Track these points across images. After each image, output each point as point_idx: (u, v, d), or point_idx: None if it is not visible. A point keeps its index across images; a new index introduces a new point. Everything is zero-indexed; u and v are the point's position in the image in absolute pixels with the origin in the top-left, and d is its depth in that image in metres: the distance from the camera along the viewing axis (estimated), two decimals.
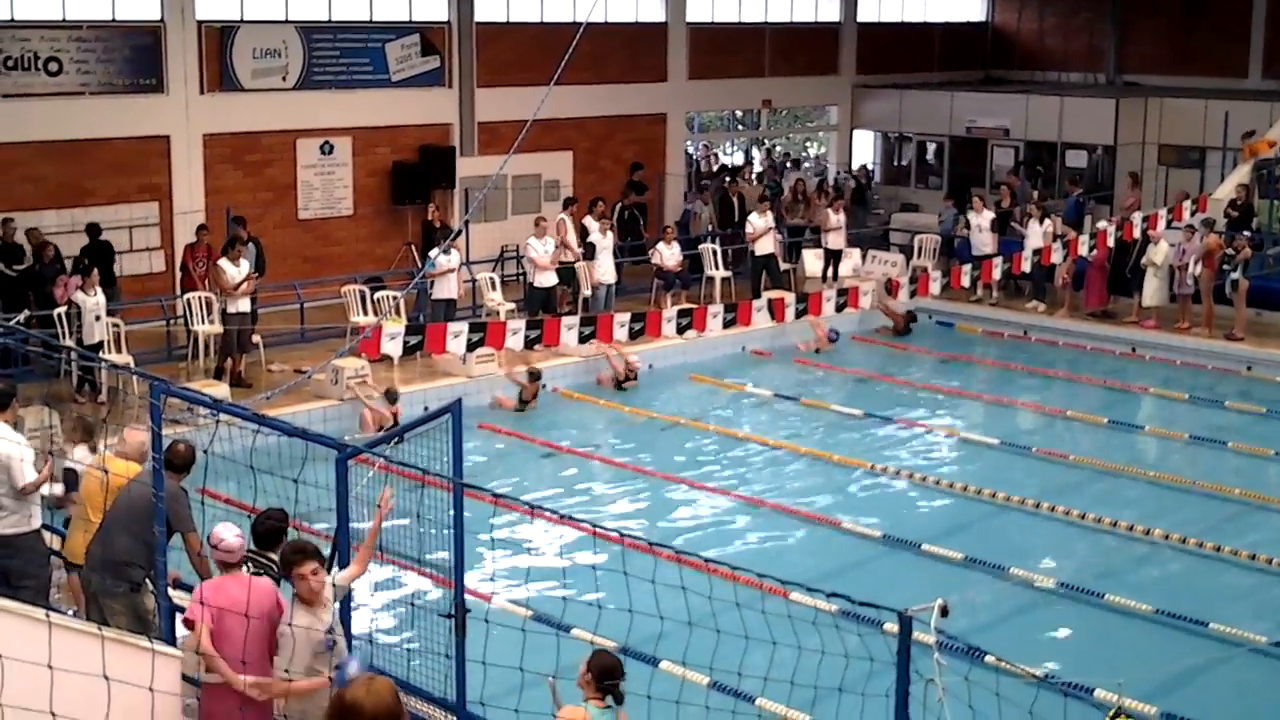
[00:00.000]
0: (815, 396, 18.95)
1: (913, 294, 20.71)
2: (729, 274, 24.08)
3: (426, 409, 10.94)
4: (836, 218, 24.67)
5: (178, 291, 19.63)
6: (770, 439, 17.02)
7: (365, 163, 23.69)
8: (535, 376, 18.17)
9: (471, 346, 16.08)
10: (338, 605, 7.31)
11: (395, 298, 19.78)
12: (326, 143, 23.19)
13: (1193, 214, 22.46)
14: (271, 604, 7.20)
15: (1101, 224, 22.29)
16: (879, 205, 31.08)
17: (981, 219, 24.18)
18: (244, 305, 18.10)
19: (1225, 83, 30.32)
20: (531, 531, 6.73)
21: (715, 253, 24.17)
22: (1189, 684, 10.82)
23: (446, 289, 19.78)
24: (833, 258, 24.75)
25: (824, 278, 24.27)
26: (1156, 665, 10.83)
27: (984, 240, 24.03)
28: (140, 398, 10.74)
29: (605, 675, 7.15)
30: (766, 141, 35.88)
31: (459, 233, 19.77)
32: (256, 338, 18.62)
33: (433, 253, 19.58)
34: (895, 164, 33.27)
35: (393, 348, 15.50)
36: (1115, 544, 13.99)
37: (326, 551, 7.72)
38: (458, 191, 24.49)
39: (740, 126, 36.26)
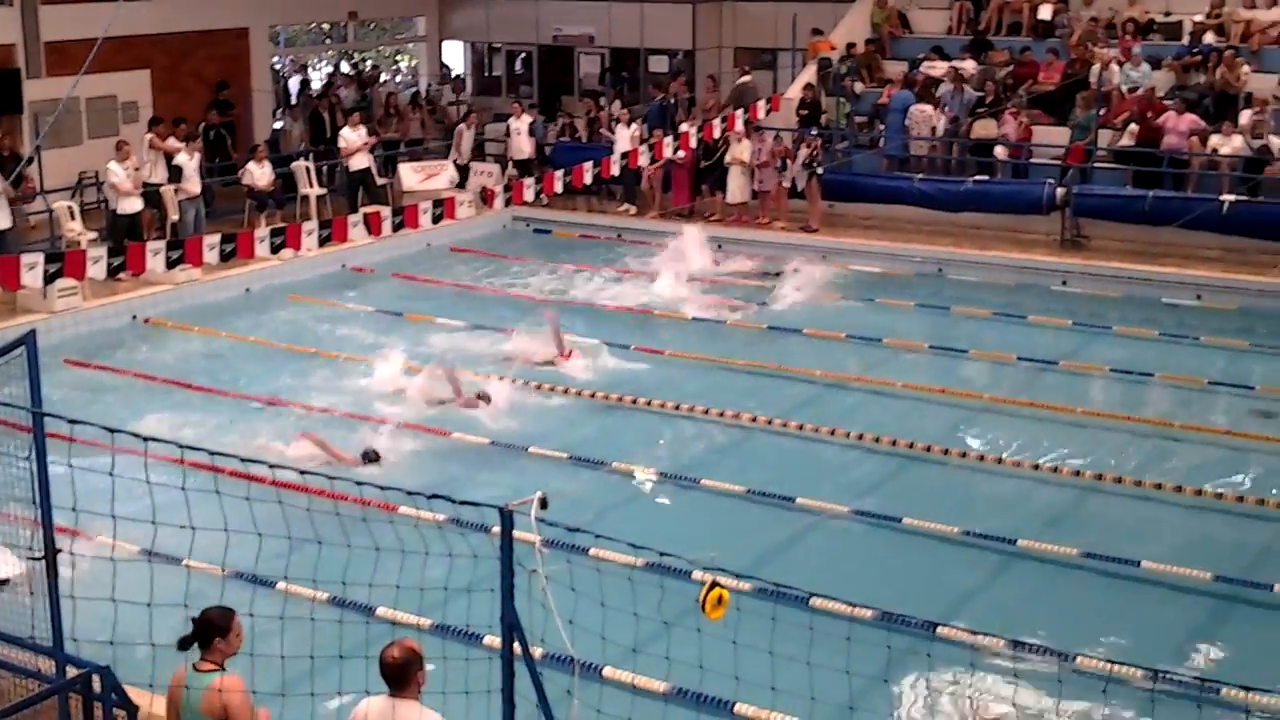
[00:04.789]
0: (418, 310, 18.97)
1: (508, 202, 21.05)
2: (324, 191, 23.70)
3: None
4: (470, 133, 25.33)
5: None
6: (372, 355, 16.94)
7: None
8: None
9: (50, 279, 15.30)
10: None
11: None
12: None
13: (767, 114, 23.53)
14: None
15: (684, 126, 23.06)
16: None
17: (520, 123, 24.92)
18: None
19: None
20: (123, 463, 6.54)
21: (309, 170, 23.69)
22: (781, 555, 11.56)
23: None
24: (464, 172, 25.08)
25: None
26: (750, 540, 11.53)
27: (522, 145, 24.86)
28: None
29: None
30: (355, 55, 35.24)
31: (30, 160, 18.65)
32: None
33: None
34: (486, 74, 33.37)
35: None
36: (709, 431, 14.71)
37: None
38: (26, 116, 23.04)
39: (329, 40, 35.43)
